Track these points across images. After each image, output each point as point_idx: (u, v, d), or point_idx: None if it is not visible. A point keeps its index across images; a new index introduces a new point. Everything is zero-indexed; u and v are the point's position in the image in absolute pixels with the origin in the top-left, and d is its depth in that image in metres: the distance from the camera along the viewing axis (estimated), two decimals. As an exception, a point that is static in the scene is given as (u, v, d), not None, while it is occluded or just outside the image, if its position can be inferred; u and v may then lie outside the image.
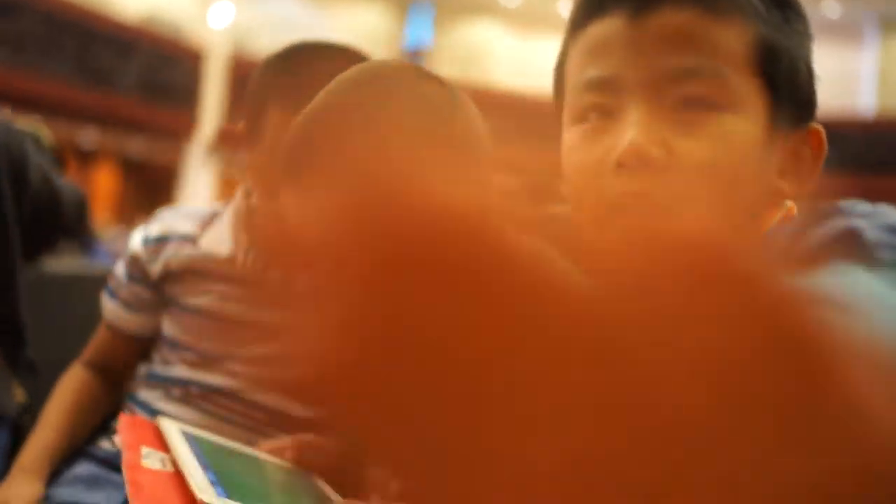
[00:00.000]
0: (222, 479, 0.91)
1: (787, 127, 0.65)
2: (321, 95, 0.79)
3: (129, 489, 0.86)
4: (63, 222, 1.72)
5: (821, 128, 0.67)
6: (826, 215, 0.52)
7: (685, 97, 0.61)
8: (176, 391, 1.24)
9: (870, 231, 0.48)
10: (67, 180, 1.90)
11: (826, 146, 0.66)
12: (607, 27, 0.63)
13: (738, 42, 0.62)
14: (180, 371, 1.25)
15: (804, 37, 0.71)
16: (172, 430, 1.02)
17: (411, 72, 0.75)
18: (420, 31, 15.73)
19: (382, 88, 0.71)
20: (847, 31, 14.59)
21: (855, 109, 14.15)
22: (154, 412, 1.21)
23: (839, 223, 0.50)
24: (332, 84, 0.77)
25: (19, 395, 1.47)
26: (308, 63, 1.18)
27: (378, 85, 0.72)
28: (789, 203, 0.65)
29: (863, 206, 0.53)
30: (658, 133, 0.61)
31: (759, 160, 0.62)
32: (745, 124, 0.62)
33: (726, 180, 0.61)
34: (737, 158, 0.61)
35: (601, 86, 0.64)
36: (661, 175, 0.60)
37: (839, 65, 14.05)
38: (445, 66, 15.37)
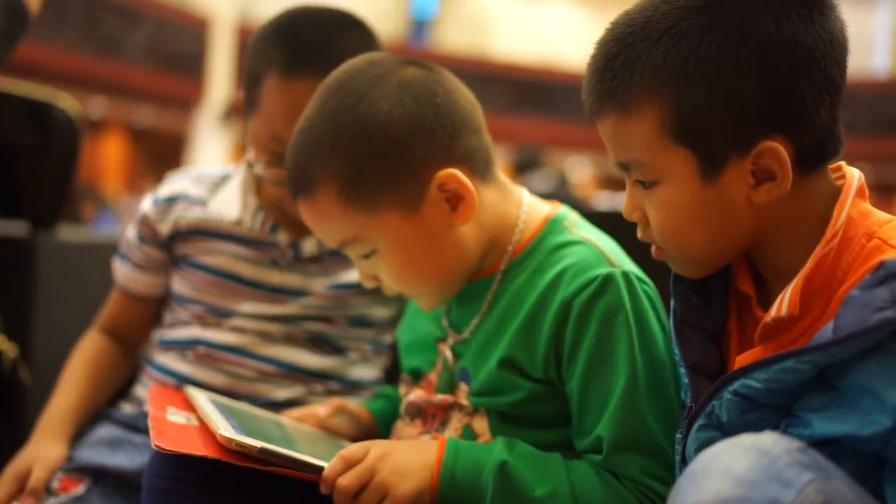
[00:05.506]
0: (245, 431, 0.93)
1: (735, 154, 0.78)
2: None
3: (152, 433, 0.89)
4: None
5: (774, 144, 0.76)
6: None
7: (634, 179, 0.85)
8: (189, 353, 1.25)
9: None
10: None
11: (783, 153, 0.76)
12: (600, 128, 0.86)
13: (650, 131, 0.80)
14: (189, 331, 1.27)
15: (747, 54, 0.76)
16: (199, 395, 1.05)
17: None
18: (427, -3, 15.55)
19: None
20: (861, -10, 14.37)
21: (869, 70, 13.98)
22: (172, 373, 1.24)
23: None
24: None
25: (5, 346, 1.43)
26: (302, 33, 1.18)
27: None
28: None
29: None
30: (635, 201, 0.85)
31: (708, 199, 0.80)
32: (675, 188, 0.81)
33: (675, 230, 0.82)
34: (680, 213, 0.81)
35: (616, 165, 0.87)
36: (646, 228, 0.86)
37: (853, 25, 13.54)
38: (451, 34, 15.24)
